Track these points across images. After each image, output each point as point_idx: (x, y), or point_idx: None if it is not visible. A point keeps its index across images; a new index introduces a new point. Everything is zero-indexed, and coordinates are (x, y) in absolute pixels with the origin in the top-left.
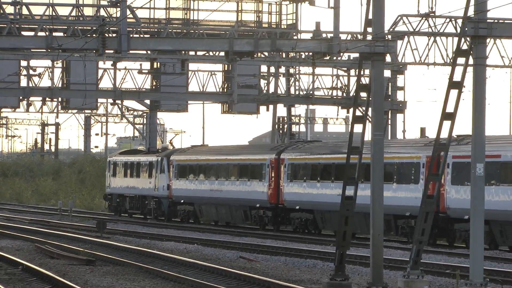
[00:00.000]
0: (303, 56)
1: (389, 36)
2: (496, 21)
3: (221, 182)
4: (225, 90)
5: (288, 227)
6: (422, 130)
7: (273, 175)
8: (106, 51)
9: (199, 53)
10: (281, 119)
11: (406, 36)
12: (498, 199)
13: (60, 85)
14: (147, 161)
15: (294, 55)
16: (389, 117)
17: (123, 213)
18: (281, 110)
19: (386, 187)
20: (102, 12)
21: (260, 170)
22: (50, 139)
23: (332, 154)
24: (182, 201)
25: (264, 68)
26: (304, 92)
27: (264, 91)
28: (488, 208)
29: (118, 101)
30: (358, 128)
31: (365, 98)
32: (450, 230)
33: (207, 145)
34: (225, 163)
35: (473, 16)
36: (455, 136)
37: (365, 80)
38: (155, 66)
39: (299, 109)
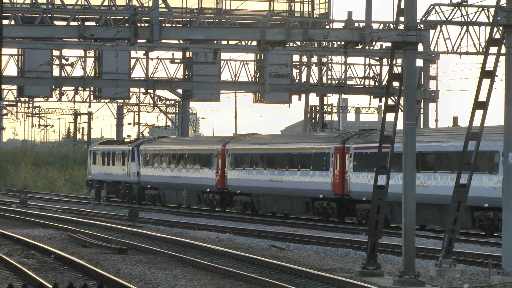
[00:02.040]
0: (335, 46)
1: (421, 25)
2: None
3: (179, 169)
4: (257, 80)
5: (232, 208)
6: (455, 119)
7: (220, 163)
8: (138, 41)
9: (231, 42)
10: (313, 109)
11: (438, 25)
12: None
13: (92, 75)
14: (121, 151)
15: (326, 44)
16: (422, 107)
17: (102, 197)
18: (313, 100)
19: (305, 173)
20: (134, 2)
21: (209, 159)
22: (82, 129)
23: (264, 146)
24: (149, 186)
25: (296, 58)
26: (336, 82)
27: (296, 81)
28: None
29: (151, 91)
30: (390, 117)
31: (397, 87)
32: (353, 210)
33: (169, 137)
34: (182, 152)
35: (505, 5)
36: (358, 131)
37: (397, 69)
38: (187, 55)
39: (331, 99)
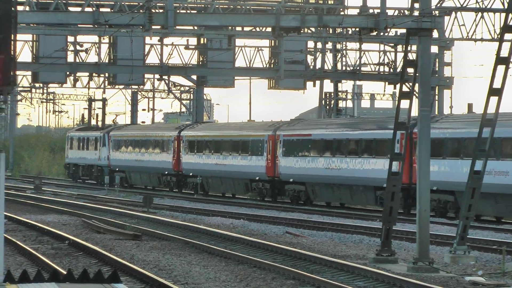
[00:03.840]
0: (350, 32)
1: (436, 12)
2: None
3: (142, 154)
4: (272, 66)
5: (186, 189)
6: (470, 106)
7: (176, 148)
8: (153, 27)
9: (245, 28)
10: (328, 95)
11: (453, 12)
12: (310, 167)
13: (107, 61)
14: (94, 136)
15: (341, 30)
16: (436, 93)
17: (78, 179)
18: (328, 86)
19: (244, 158)
20: None
21: (167, 144)
22: (97, 115)
23: (212, 133)
24: (117, 169)
25: (311, 44)
26: (351, 68)
27: (311, 67)
28: (304, 174)
29: (165, 77)
30: (405, 103)
31: (412, 74)
32: (283, 190)
33: (136, 124)
34: (145, 138)
35: None
36: (289, 120)
37: (412, 56)
38: (201, 41)
39: (346, 85)
